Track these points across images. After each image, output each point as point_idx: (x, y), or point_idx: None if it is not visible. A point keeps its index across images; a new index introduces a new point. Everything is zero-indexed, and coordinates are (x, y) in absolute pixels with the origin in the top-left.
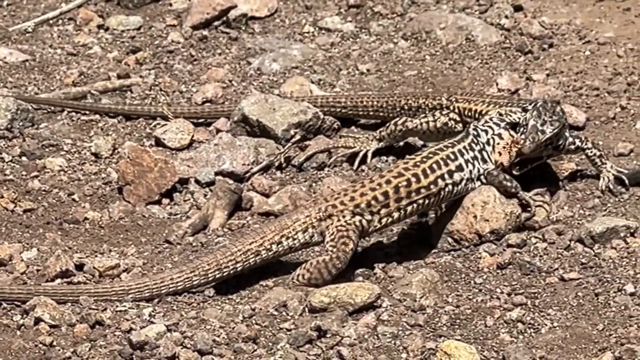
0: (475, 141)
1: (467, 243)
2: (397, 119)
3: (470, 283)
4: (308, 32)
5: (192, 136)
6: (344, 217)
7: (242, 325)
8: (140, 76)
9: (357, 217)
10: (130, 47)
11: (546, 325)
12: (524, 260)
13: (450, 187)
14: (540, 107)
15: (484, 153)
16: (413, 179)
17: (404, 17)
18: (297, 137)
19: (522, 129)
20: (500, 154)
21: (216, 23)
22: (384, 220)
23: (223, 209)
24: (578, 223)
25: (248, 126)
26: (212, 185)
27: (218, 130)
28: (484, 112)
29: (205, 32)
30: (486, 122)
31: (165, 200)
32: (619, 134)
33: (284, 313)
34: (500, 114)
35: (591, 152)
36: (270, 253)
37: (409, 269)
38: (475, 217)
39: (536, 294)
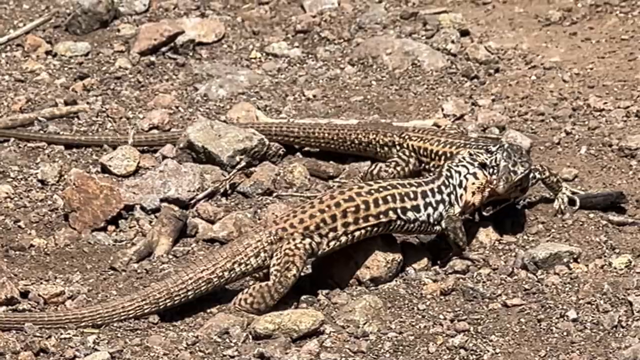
0: (447, 183)
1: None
2: (372, 168)
3: (413, 309)
4: (255, 58)
5: (138, 163)
6: (294, 239)
7: (186, 353)
8: (88, 102)
9: (307, 240)
10: (78, 74)
11: (488, 351)
12: (467, 287)
13: (401, 222)
14: (509, 148)
15: (452, 196)
16: (362, 206)
17: (350, 42)
18: (243, 163)
19: (492, 170)
20: (473, 193)
21: (164, 49)
22: (332, 244)
23: (168, 236)
24: (522, 249)
25: (194, 152)
26: (158, 212)
27: (164, 157)
28: (440, 152)
29: (152, 58)
30: (460, 161)
31: (110, 227)
32: (564, 159)
33: (227, 340)
34: (471, 154)
35: (549, 179)
36: (222, 280)
37: (352, 296)
38: (356, 263)
39: (479, 320)
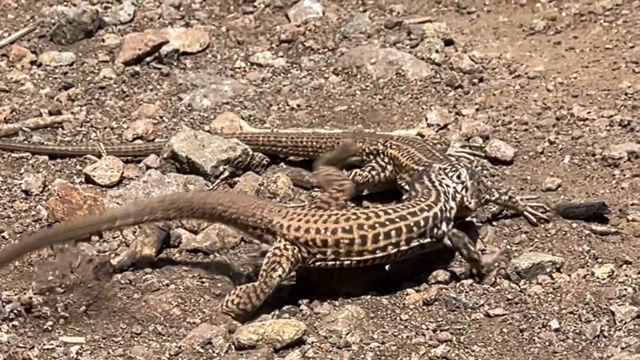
0: (447, 198)
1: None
2: (349, 174)
3: (396, 319)
4: (239, 68)
5: (122, 173)
6: (285, 240)
7: None
8: (72, 112)
9: (296, 248)
10: (63, 84)
11: None
12: (450, 297)
13: (400, 253)
14: (469, 168)
15: (452, 212)
16: (358, 241)
17: (335, 51)
18: (226, 173)
19: (464, 188)
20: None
21: (148, 59)
22: (318, 264)
23: (151, 246)
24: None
25: (177, 163)
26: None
27: (148, 167)
28: (407, 167)
29: (137, 68)
30: (442, 177)
31: (94, 237)
32: (547, 169)
33: (210, 350)
34: (444, 169)
35: (501, 200)
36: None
37: (334, 305)
38: (332, 276)
39: (461, 330)
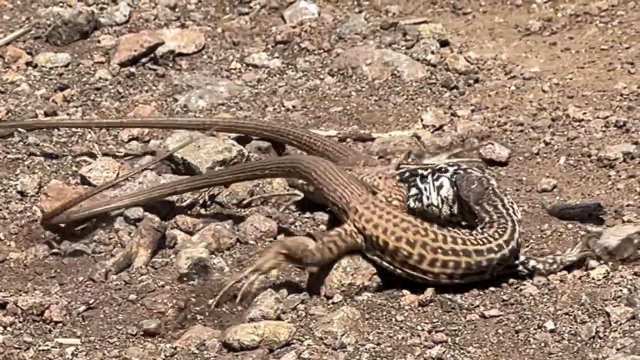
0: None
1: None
2: None
3: (391, 320)
4: (235, 69)
5: (118, 174)
6: (354, 224)
7: None
8: (68, 113)
9: (360, 238)
10: (58, 85)
11: None
12: (446, 298)
13: (452, 283)
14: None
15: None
16: (415, 257)
17: (330, 52)
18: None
19: None
20: None
21: (144, 60)
22: (373, 259)
23: (147, 247)
24: None
25: (173, 164)
26: (140, 222)
27: (143, 168)
28: None
29: (132, 69)
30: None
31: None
32: (543, 170)
33: (205, 352)
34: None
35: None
36: None
37: (329, 307)
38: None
39: (457, 331)
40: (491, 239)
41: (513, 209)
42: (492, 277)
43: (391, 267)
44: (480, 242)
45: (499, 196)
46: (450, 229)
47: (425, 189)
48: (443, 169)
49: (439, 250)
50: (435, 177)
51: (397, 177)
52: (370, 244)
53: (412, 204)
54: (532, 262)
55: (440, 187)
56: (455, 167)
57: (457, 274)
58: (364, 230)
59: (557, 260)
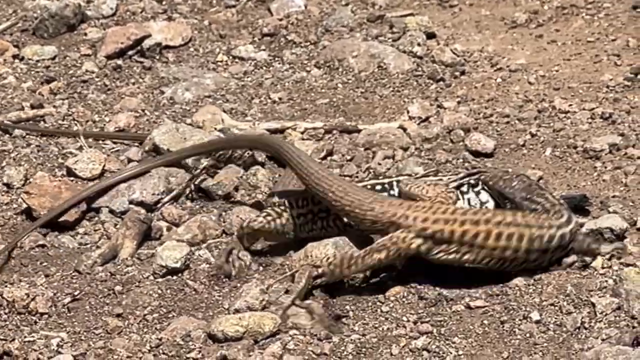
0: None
1: None
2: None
3: (376, 311)
4: (222, 61)
5: (104, 166)
6: (408, 232)
7: (149, 355)
8: (54, 106)
9: (416, 242)
10: (45, 77)
11: (451, 353)
12: (430, 289)
13: (516, 261)
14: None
15: None
16: (482, 234)
17: (317, 45)
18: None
19: None
20: None
21: (130, 52)
22: (439, 256)
23: (132, 239)
24: None
25: (159, 156)
26: (126, 213)
27: (130, 160)
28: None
29: (119, 62)
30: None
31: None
32: (529, 161)
33: (190, 342)
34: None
35: None
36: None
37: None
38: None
39: (442, 322)
40: (550, 219)
41: (561, 200)
42: (550, 263)
43: (459, 255)
44: (541, 220)
45: (546, 189)
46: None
47: (469, 200)
48: (473, 183)
49: (502, 224)
50: (474, 189)
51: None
52: (433, 242)
53: None
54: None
55: (478, 192)
56: (476, 176)
57: (522, 248)
58: (424, 232)
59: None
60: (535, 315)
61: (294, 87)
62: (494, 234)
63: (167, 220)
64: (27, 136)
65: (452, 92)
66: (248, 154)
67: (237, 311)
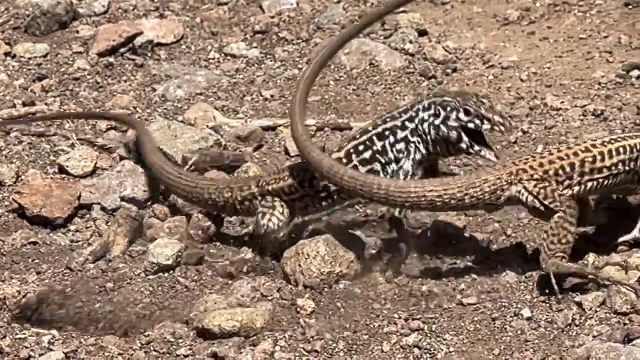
0: None
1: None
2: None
3: (368, 309)
4: (214, 59)
5: (96, 163)
6: (532, 181)
7: (141, 353)
8: (46, 104)
9: (545, 183)
10: (37, 75)
11: (442, 350)
12: (422, 285)
13: (622, 175)
14: None
15: None
16: (599, 157)
17: (309, 42)
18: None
19: None
20: None
21: (122, 50)
22: (565, 190)
23: (124, 236)
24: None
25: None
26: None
27: (122, 158)
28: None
29: (111, 59)
30: None
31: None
32: None
33: (180, 340)
34: None
35: None
36: (445, 205)
37: (307, 294)
38: (300, 265)
39: (433, 319)
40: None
41: None
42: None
43: (583, 183)
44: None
45: None
46: None
47: None
48: None
49: (607, 144)
50: None
51: None
52: (557, 180)
53: None
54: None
55: None
56: None
57: (628, 158)
58: (547, 174)
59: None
60: (526, 313)
61: (286, 84)
62: (606, 152)
63: (159, 218)
64: (19, 134)
65: (444, 89)
66: (240, 151)
67: (229, 307)
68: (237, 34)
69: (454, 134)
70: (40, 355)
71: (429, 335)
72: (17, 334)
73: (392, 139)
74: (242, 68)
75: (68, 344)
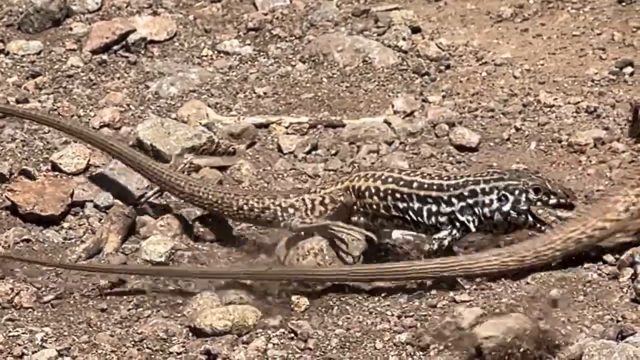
0: None
1: None
2: None
3: (360, 306)
4: (207, 56)
5: (88, 161)
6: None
7: (134, 350)
8: (39, 101)
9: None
10: (30, 72)
11: (435, 348)
12: (415, 283)
13: None
14: None
15: None
16: None
17: (302, 39)
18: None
19: None
20: None
21: (115, 47)
22: None
23: (117, 234)
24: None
25: (143, 150)
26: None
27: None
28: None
29: (104, 57)
30: None
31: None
32: (513, 155)
33: (173, 337)
34: None
35: None
36: (592, 239)
37: (300, 292)
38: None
39: (426, 316)
40: None
41: None
42: None
43: None
44: None
45: None
46: None
47: None
48: None
49: None
50: None
51: None
52: None
53: None
54: None
55: None
56: None
57: None
58: None
59: None
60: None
61: (279, 81)
62: None
63: (152, 215)
64: (12, 131)
65: (436, 86)
66: (233, 149)
67: (222, 304)
68: (230, 31)
69: (522, 217)
70: (33, 352)
71: (421, 332)
72: (10, 331)
73: (434, 207)
74: (235, 65)
75: (61, 341)
